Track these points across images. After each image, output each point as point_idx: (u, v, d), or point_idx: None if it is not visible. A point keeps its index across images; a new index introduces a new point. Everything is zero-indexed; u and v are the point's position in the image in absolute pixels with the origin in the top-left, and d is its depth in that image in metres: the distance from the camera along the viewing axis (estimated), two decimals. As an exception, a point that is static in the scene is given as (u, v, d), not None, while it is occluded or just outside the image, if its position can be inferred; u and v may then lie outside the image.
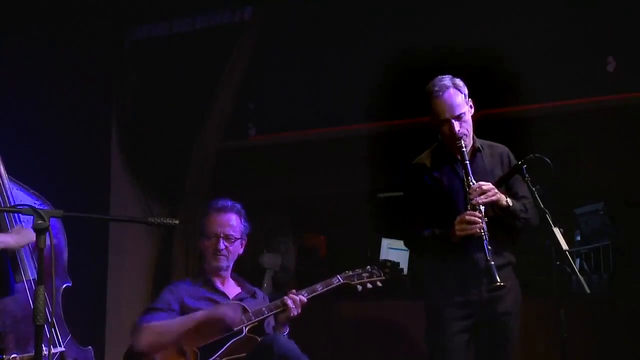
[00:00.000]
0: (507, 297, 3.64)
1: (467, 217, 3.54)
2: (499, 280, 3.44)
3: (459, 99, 3.64)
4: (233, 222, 3.91)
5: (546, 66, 5.23)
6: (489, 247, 3.48)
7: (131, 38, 6.06)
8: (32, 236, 3.15)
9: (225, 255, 3.88)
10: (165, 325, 3.66)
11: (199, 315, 3.67)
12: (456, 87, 3.66)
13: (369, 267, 3.97)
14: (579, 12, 5.14)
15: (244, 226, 3.95)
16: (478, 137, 3.81)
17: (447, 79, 3.68)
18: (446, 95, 3.63)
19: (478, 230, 3.50)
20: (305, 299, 3.77)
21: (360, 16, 5.63)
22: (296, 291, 3.81)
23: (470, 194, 3.56)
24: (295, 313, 3.75)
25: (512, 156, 3.82)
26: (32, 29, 5.12)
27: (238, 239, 3.93)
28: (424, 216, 3.72)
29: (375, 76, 5.42)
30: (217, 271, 3.91)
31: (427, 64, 4.63)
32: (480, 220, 3.51)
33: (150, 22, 6.04)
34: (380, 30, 5.61)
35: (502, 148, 3.84)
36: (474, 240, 3.55)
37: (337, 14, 5.69)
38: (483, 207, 3.55)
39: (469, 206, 3.56)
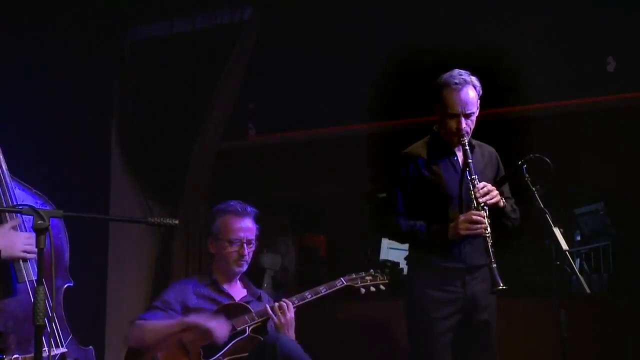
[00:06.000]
0: (488, 295, 3.63)
1: (474, 217, 3.52)
2: (501, 283, 3.43)
3: (474, 97, 3.62)
4: (252, 226, 3.90)
5: (546, 66, 5.22)
6: (492, 248, 3.47)
7: (131, 38, 6.06)
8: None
9: (247, 261, 3.88)
10: (154, 325, 3.65)
11: (189, 322, 3.63)
12: (474, 85, 3.64)
13: (372, 270, 3.97)
14: (579, 12, 5.14)
15: (257, 228, 3.95)
16: (477, 136, 3.81)
17: (466, 75, 3.64)
18: (464, 90, 3.60)
19: (483, 231, 3.49)
20: (286, 304, 3.74)
21: (360, 16, 5.62)
22: (299, 293, 3.81)
23: (475, 192, 3.54)
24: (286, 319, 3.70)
25: (499, 158, 3.81)
26: (32, 29, 5.12)
27: (254, 242, 3.93)
28: (415, 208, 3.69)
29: (375, 76, 5.42)
30: (235, 275, 3.91)
31: (427, 64, 4.63)
32: (485, 220, 3.51)
33: (150, 22, 6.04)
34: (380, 30, 5.60)
35: (491, 149, 3.83)
36: (465, 237, 3.55)
37: (337, 13, 5.68)
38: (486, 207, 3.54)
39: (473, 205, 3.54)
